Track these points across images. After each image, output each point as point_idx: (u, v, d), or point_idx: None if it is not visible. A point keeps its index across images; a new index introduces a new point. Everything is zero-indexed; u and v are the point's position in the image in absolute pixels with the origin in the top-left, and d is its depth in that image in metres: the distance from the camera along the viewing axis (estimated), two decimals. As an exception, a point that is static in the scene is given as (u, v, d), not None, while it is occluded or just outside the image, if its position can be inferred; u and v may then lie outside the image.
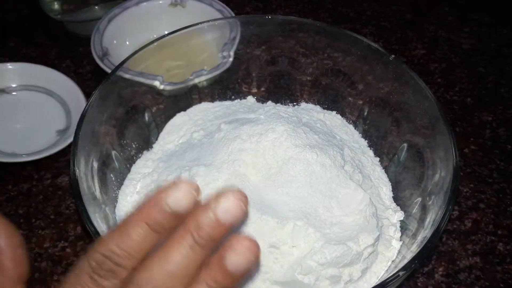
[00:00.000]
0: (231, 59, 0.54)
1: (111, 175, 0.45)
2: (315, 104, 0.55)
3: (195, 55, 0.55)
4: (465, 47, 0.70)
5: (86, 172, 0.40)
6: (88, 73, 0.65)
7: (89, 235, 0.36)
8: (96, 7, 0.68)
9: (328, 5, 0.76)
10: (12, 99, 0.60)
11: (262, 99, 0.56)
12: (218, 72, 0.53)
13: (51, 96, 0.60)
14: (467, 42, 0.71)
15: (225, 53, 0.54)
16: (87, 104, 0.42)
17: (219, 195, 0.24)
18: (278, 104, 0.55)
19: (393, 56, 0.47)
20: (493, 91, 0.64)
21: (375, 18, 0.74)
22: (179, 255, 0.24)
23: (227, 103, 0.56)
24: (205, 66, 0.54)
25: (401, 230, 0.44)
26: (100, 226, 0.37)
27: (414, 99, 0.46)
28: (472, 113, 0.62)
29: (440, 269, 0.48)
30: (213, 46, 0.56)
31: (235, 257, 0.23)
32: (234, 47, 0.54)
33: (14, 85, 0.60)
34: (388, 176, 0.49)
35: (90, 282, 0.24)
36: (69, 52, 0.68)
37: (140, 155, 0.50)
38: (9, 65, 0.61)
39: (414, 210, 0.44)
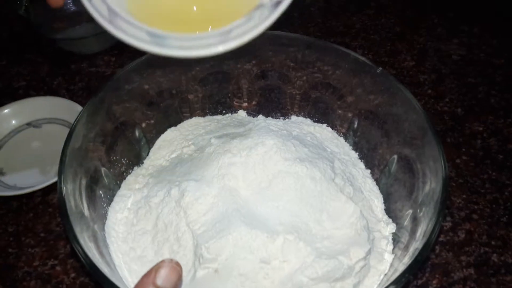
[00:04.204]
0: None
1: (100, 191, 0.45)
2: (306, 117, 0.55)
3: None
4: (455, 58, 0.71)
5: (74, 189, 0.39)
6: (79, 90, 0.65)
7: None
8: (88, 24, 0.68)
9: (318, 19, 0.77)
10: (37, 132, 0.61)
11: (253, 113, 0.57)
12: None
13: None
14: (457, 53, 0.72)
15: None
16: (75, 120, 0.42)
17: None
18: (268, 118, 0.56)
19: (380, 68, 0.47)
20: (484, 102, 0.65)
21: (364, 31, 0.75)
22: None
23: (218, 117, 0.56)
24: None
25: (393, 243, 0.44)
26: (88, 245, 0.37)
27: (402, 111, 0.46)
28: (463, 124, 0.62)
29: (434, 281, 0.47)
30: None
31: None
32: None
33: (40, 119, 0.61)
34: (379, 188, 0.49)
35: None
36: (61, 69, 0.68)
37: (130, 171, 0.50)
38: (36, 99, 0.62)
39: (405, 222, 0.44)
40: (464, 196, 0.54)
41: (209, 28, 0.32)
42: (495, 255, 0.49)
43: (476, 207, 0.53)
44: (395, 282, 0.34)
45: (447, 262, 0.49)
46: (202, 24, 0.33)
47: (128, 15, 0.31)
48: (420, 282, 0.47)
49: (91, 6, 0.30)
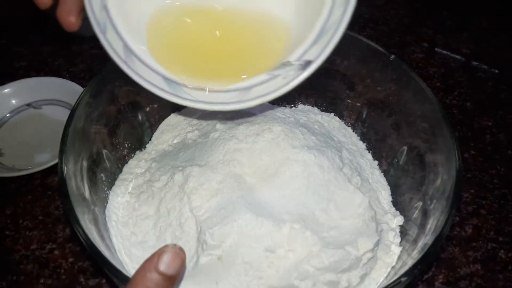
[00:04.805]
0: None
1: (102, 174, 0.43)
2: (313, 106, 0.54)
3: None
4: (464, 52, 0.70)
5: (75, 170, 0.38)
6: (81, 71, 0.64)
7: (78, 237, 0.34)
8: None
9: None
10: (37, 114, 0.59)
11: (258, 100, 0.55)
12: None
13: None
14: (466, 47, 0.70)
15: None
16: (77, 100, 0.41)
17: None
18: (275, 105, 0.54)
19: (393, 56, 0.46)
20: (493, 96, 0.64)
21: (373, 21, 0.74)
22: None
23: (223, 103, 0.55)
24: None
25: (400, 235, 0.43)
26: (89, 227, 0.36)
27: (415, 101, 0.44)
28: (472, 118, 0.61)
29: (441, 276, 0.46)
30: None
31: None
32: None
33: (40, 100, 0.60)
34: (387, 180, 0.48)
35: None
36: (62, 50, 0.67)
37: (132, 155, 0.49)
38: (37, 80, 0.60)
39: (414, 215, 0.43)
40: (472, 191, 0.53)
41: (229, 81, 0.30)
42: (502, 251, 0.48)
43: (484, 202, 0.52)
44: (405, 274, 0.33)
45: (453, 257, 0.48)
46: (222, 75, 0.31)
47: (145, 54, 0.29)
48: (426, 276, 0.46)
49: (106, 42, 0.28)
